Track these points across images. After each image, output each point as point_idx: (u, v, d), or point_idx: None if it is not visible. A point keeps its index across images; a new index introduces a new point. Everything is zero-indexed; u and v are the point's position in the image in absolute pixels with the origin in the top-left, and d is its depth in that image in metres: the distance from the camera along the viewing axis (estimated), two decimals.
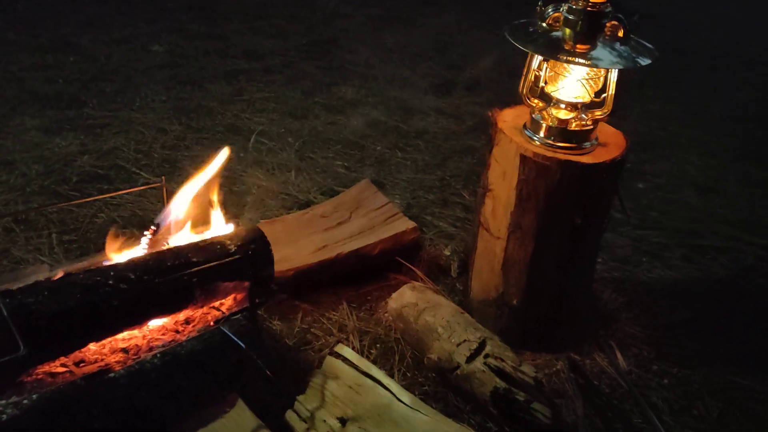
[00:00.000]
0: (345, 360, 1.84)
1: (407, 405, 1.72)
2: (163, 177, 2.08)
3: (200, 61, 4.79)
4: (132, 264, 1.72)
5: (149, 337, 1.79)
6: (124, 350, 1.74)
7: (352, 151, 3.67)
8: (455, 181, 3.43)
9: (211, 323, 1.80)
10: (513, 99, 4.32)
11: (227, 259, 1.81)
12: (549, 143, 2.06)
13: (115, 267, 1.70)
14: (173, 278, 1.73)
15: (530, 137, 2.11)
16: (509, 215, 2.16)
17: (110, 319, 1.65)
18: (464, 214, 3.13)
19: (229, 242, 1.86)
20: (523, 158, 2.04)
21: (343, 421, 1.67)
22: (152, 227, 1.88)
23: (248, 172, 3.32)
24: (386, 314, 2.36)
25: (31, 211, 2.68)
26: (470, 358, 1.97)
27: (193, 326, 1.82)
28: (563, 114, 2.05)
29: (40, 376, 1.62)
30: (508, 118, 2.24)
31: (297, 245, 2.44)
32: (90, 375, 1.59)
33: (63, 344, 1.61)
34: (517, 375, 1.89)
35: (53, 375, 1.64)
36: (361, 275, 2.58)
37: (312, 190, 3.20)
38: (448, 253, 2.71)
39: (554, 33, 1.97)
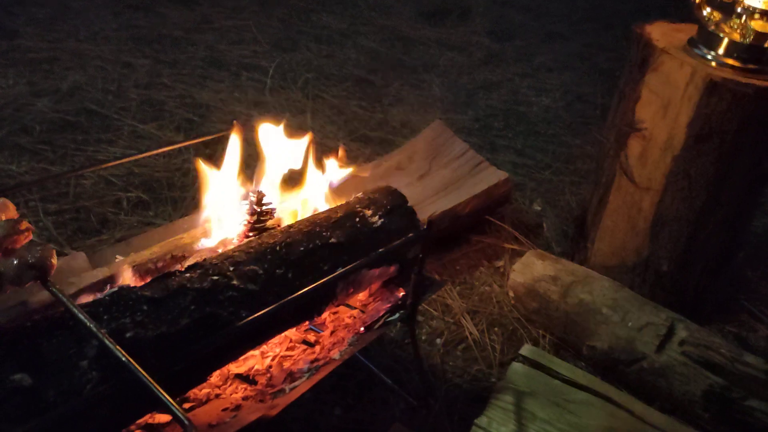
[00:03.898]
0: (537, 365, 1.34)
1: (663, 430, 1.25)
2: (234, 121, 1.47)
3: None
4: (254, 252, 1.13)
5: (271, 354, 1.23)
6: (245, 378, 1.17)
7: (363, 88, 3.09)
8: (494, 122, 2.95)
9: (361, 330, 1.25)
10: (511, 28, 3.83)
11: (384, 240, 1.26)
12: (732, 65, 1.62)
13: (233, 258, 1.11)
14: (312, 269, 1.17)
15: (703, 57, 1.65)
16: (671, 160, 1.71)
17: (237, 337, 1.08)
18: (520, 159, 2.66)
19: (369, 212, 1.30)
20: (712, 86, 1.58)
21: None
22: (256, 191, 1.29)
23: (254, 115, 2.69)
24: (506, 289, 1.89)
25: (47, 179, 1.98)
26: (660, 347, 1.53)
27: (333, 335, 1.27)
28: (761, 26, 1.60)
29: None
30: (657, 36, 1.77)
31: None
32: None
33: (176, 383, 1.03)
34: (736, 368, 1.47)
35: (155, 429, 1.06)
36: (441, 239, 2.08)
37: (340, 136, 2.62)
38: (539, 208, 2.25)
39: None
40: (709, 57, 1.65)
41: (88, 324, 0.89)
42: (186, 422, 0.75)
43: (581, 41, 4.04)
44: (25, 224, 0.99)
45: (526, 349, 1.37)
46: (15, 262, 0.93)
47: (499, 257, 2.09)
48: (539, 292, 1.75)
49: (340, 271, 1.08)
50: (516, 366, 1.34)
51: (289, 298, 1.02)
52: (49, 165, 2.15)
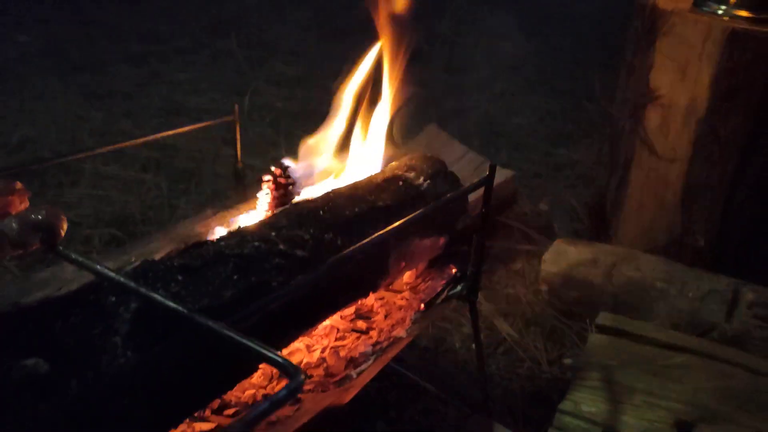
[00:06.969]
0: (619, 332, 1.16)
1: None
2: (236, 105, 1.31)
3: (87, 47, 3.80)
4: (295, 216, 0.95)
5: (318, 347, 1.02)
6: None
7: None
8: (473, 141, 2.82)
9: (421, 306, 1.07)
10: (460, 63, 3.78)
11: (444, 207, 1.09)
12: (745, 16, 1.56)
13: (273, 224, 0.93)
14: (362, 234, 0.99)
15: (713, 14, 1.59)
16: (695, 125, 1.61)
17: (287, 314, 0.87)
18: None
19: (411, 175, 1.14)
20: (732, 37, 1.50)
21: None
22: (278, 167, 1.12)
23: (224, 152, 2.51)
24: (537, 286, 1.73)
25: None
26: (729, 314, 1.39)
27: (388, 318, 1.07)
28: None
29: None
30: (661, 2, 1.70)
31: None
32: None
33: (212, 380, 0.81)
34: None
35: None
36: None
37: None
38: (546, 207, 2.12)
39: None
40: (720, 12, 1.59)
41: (124, 282, 0.68)
42: (291, 369, 0.56)
43: (532, 69, 4.05)
44: (19, 184, 0.79)
45: (602, 317, 1.20)
46: (16, 222, 0.73)
47: (515, 260, 1.94)
48: (578, 278, 1.59)
49: (402, 220, 0.90)
50: (595, 337, 1.17)
51: (361, 243, 0.83)
52: None
